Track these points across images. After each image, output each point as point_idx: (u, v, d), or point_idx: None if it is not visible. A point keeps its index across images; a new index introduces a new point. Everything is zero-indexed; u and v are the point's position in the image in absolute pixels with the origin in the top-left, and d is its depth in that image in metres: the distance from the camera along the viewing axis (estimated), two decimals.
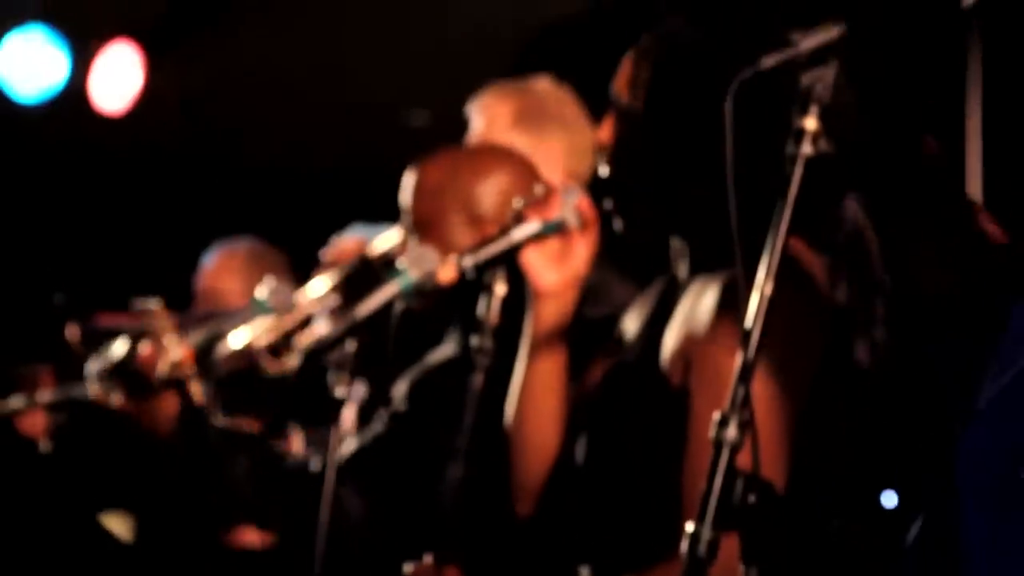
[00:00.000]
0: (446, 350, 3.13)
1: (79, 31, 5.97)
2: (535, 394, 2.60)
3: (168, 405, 3.20)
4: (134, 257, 8.36)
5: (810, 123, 1.92)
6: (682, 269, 2.52)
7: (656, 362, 2.43)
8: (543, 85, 3.76)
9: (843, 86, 2.38)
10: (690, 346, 2.37)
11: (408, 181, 3.14)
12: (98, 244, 8.69)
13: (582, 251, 2.57)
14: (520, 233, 2.56)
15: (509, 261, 2.58)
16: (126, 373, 3.29)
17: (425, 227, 3.05)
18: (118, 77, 6.05)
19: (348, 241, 3.50)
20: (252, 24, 7.13)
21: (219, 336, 3.27)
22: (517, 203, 2.59)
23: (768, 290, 1.88)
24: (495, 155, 3.22)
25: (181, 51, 7.14)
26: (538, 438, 2.60)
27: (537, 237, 2.56)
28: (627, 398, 2.49)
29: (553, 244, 2.57)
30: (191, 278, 4.98)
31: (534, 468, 2.61)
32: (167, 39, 6.87)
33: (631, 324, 2.65)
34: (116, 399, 3.29)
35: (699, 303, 2.38)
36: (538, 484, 2.62)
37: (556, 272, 2.58)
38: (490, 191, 3.08)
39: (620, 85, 2.52)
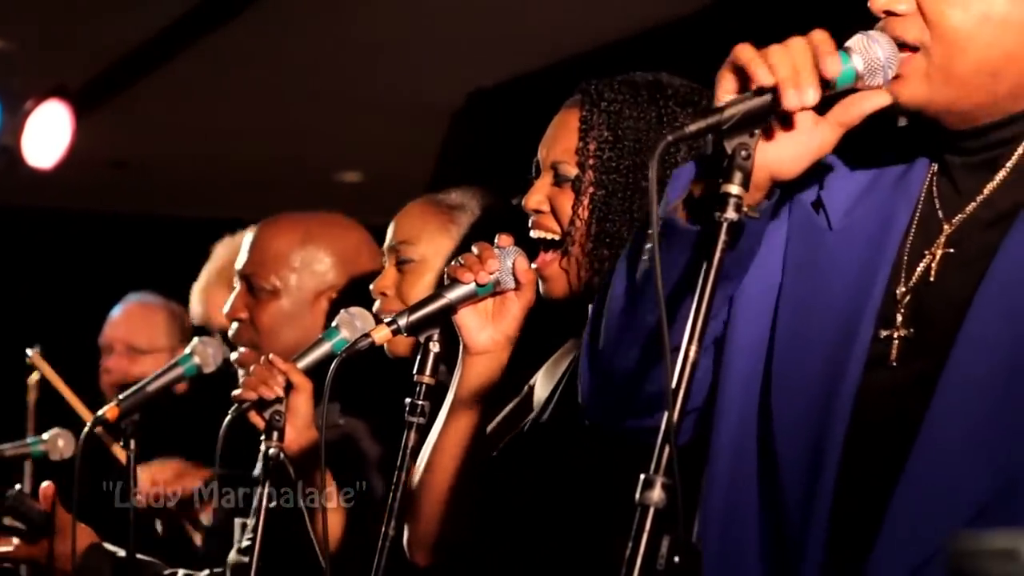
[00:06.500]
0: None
1: (11, 89, 6.01)
2: (448, 449, 2.58)
3: (74, 541, 3.24)
4: (56, 311, 8.32)
5: (733, 188, 1.89)
6: None
7: (570, 423, 2.42)
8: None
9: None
10: None
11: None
12: (23, 298, 8.64)
13: (516, 312, 2.57)
14: (454, 293, 2.55)
15: (445, 321, 2.58)
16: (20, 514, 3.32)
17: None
18: (49, 134, 6.10)
19: None
20: (182, 83, 7.14)
21: (148, 393, 3.26)
22: (453, 263, 2.59)
23: (692, 352, 1.84)
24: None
25: (111, 110, 7.16)
26: (441, 492, 2.58)
27: (471, 297, 2.56)
28: (542, 457, 2.52)
29: (487, 304, 2.58)
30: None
31: (433, 520, 2.60)
32: (97, 98, 6.89)
33: (542, 385, 2.68)
34: (12, 543, 3.33)
35: None
36: (434, 536, 2.60)
37: (489, 332, 2.58)
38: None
39: (559, 153, 2.56)
